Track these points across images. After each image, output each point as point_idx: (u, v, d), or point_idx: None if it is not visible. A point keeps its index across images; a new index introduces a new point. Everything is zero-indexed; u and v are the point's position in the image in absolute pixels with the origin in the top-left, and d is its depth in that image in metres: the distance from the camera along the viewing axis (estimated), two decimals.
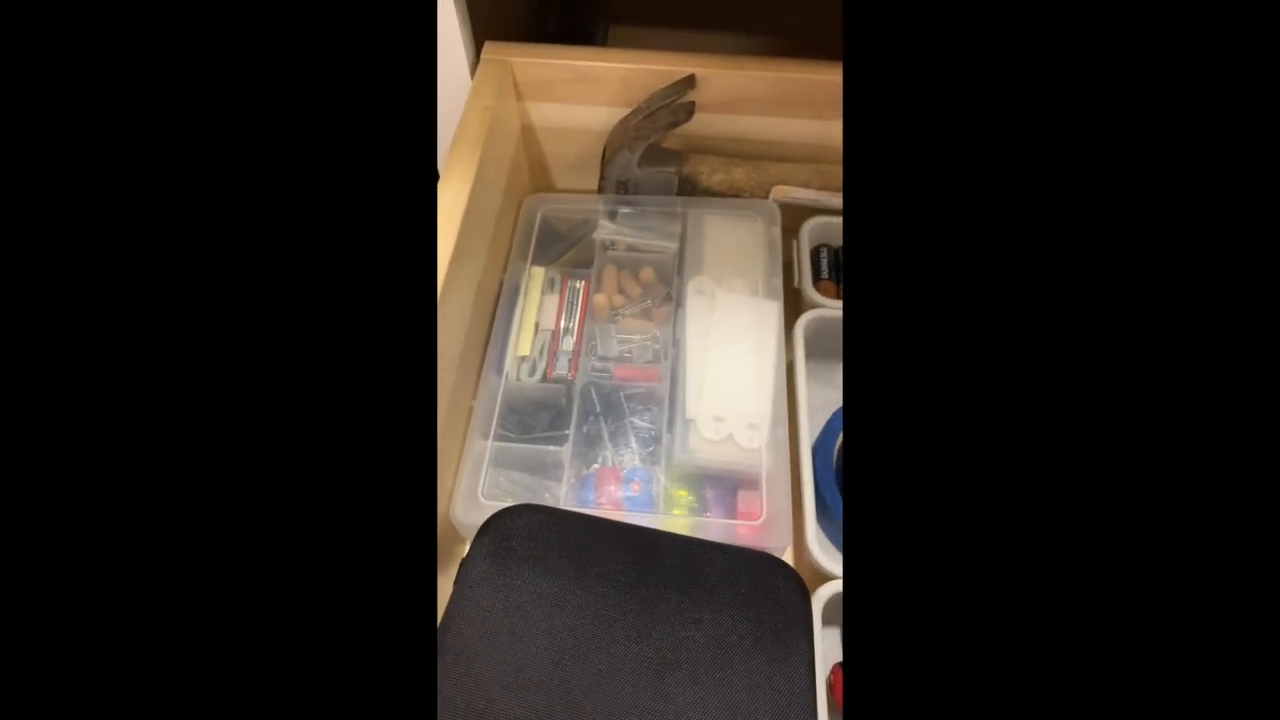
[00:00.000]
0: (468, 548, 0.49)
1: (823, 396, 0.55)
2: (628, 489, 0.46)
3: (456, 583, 0.37)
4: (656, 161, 0.55)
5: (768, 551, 0.40)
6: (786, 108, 0.54)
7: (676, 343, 0.50)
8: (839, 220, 0.58)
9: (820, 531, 0.45)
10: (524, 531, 0.38)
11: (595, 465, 0.47)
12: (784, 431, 0.47)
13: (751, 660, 0.34)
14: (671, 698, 0.33)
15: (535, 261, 0.55)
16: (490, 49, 0.53)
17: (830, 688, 0.42)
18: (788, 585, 0.37)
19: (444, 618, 0.36)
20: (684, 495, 0.47)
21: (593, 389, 0.49)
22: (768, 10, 0.79)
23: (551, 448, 0.47)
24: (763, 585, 0.37)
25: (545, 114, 0.56)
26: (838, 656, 0.45)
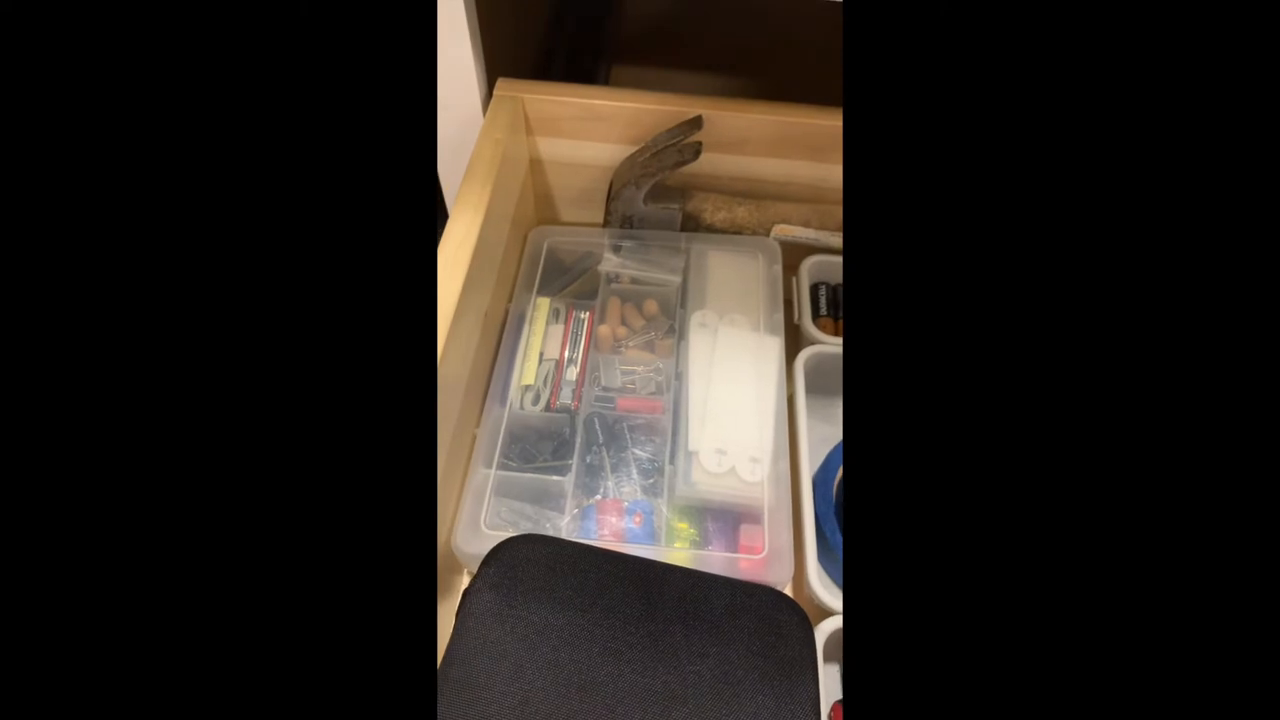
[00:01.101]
0: (466, 577, 0.49)
1: (822, 432, 0.56)
2: (629, 521, 0.46)
3: (460, 614, 0.37)
4: (661, 198, 0.56)
5: (770, 586, 0.40)
6: (788, 149, 0.55)
7: (679, 375, 0.51)
8: (838, 259, 0.59)
9: (820, 567, 0.46)
10: (530, 562, 0.37)
11: (597, 496, 0.47)
12: (785, 465, 0.47)
13: (758, 696, 0.34)
14: None
15: (540, 292, 0.55)
16: (503, 85, 0.54)
17: None
18: (792, 620, 0.37)
19: (448, 649, 0.35)
20: (685, 528, 0.47)
21: (596, 419, 0.49)
22: (760, 55, 0.82)
23: (554, 478, 0.47)
24: (768, 620, 0.37)
25: (553, 149, 0.58)
26: (838, 693, 0.45)
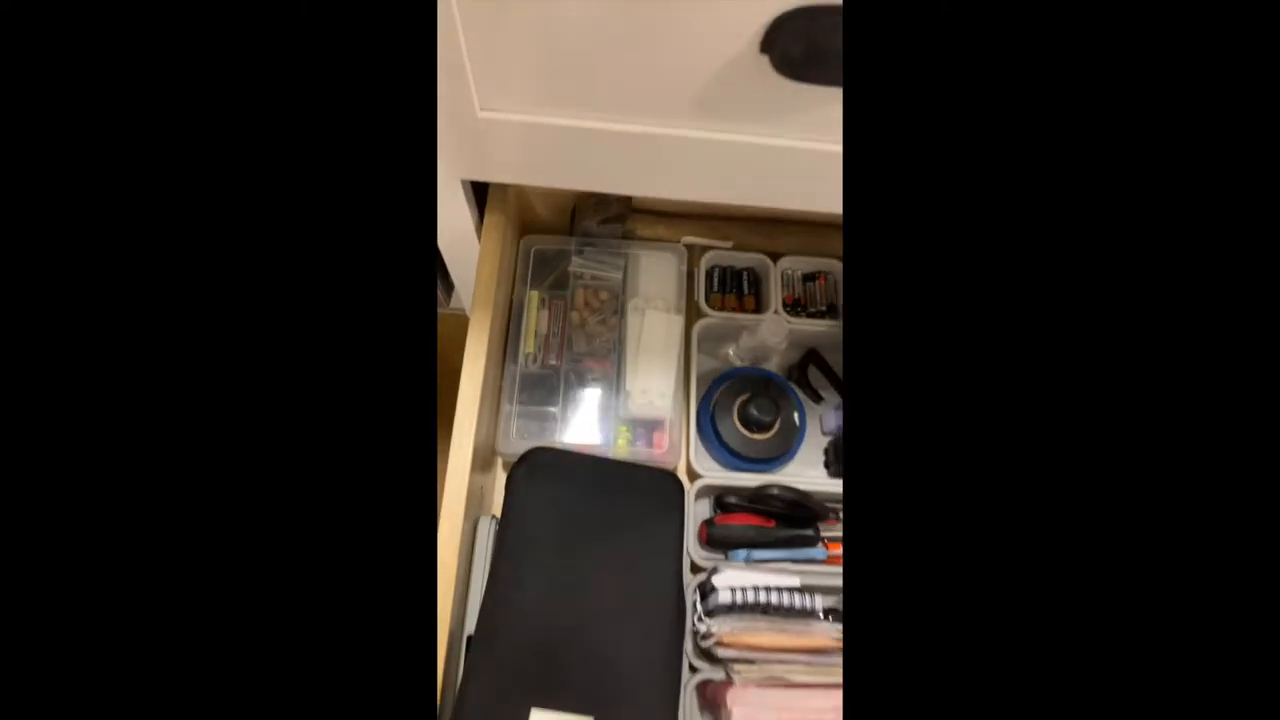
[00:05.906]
0: (500, 464, 0.86)
1: (708, 366, 0.91)
2: (594, 429, 0.83)
3: (508, 488, 0.74)
4: (608, 223, 0.86)
5: (668, 465, 0.78)
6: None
7: (621, 342, 0.85)
8: (727, 253, 0.91)
9: (700, 449, 0.84)
10: (543, 464, 0.74)
11: (576, 415, 0.83)
12: (682, 394, 0.83)
13: (655, 527, 0.73)
14: (617, 547, 0.72)
15: (532, 286, 0.86)
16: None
17: (699, 535, 0.82)
18: (675, 487, 0.76)
19: (504, 508, 0.73)
20: (624, 430, 0.84)
21: (571, 372, 0.83)
22: None
23: (550, 409, 0.82)
24: (665, 487, 0.75)
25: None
26: (705, 515, 0.85)
